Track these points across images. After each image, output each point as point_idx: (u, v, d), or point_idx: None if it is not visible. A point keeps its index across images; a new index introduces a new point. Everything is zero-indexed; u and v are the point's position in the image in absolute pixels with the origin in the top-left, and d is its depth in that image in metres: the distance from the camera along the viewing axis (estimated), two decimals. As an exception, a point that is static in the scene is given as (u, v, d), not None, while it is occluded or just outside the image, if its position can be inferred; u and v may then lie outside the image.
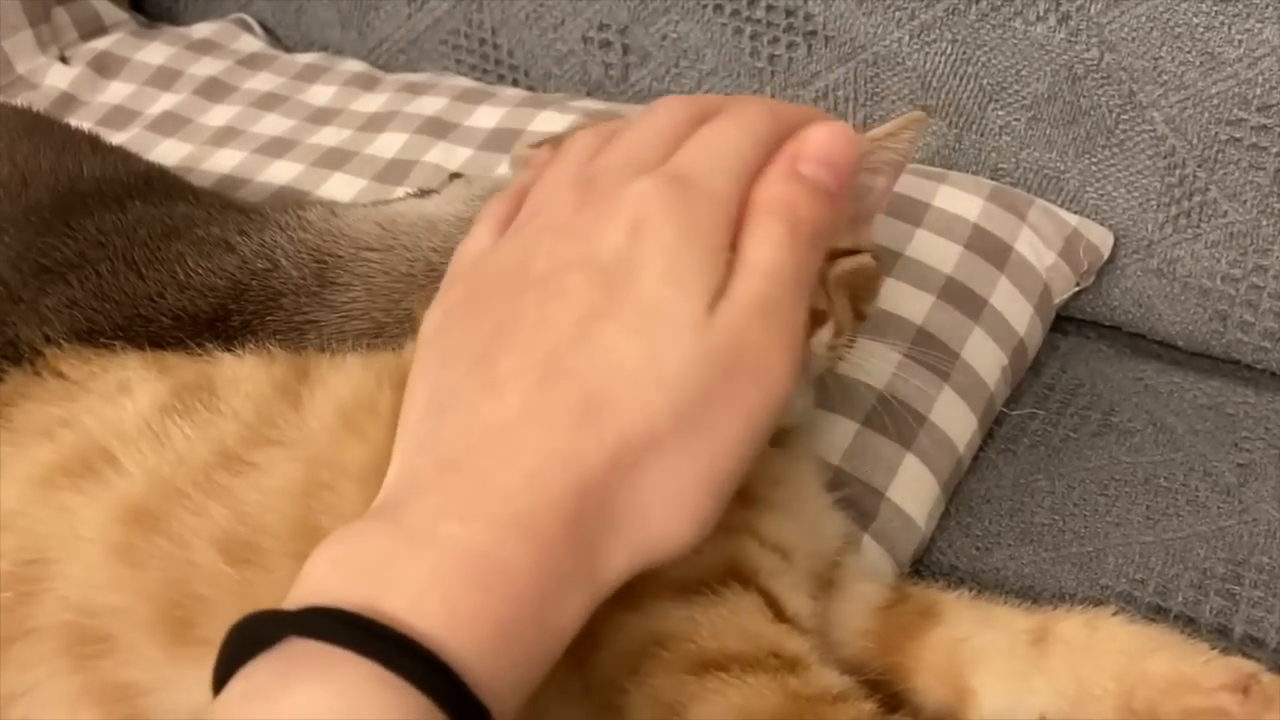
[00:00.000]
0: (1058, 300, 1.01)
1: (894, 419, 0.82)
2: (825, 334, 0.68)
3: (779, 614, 0.59)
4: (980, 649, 0.68)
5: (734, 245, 0.49)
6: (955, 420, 0.86)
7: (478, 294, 0.53)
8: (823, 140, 0.50)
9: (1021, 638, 0.68)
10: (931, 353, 0.87)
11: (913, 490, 0.81)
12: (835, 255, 0.70)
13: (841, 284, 0.70)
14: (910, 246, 0.95)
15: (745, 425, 0.47)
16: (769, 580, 0.60)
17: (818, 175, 0.50)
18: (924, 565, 0.82)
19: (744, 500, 0.62)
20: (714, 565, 0.58)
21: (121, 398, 0.65)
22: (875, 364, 0.84)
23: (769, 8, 1.08)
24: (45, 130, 0.94)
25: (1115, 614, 0.68)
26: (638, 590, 0.56)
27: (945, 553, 0.83)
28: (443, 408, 0.49)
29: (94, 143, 0.96)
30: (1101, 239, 1.02)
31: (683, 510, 0.46)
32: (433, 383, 0.51)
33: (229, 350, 0.70)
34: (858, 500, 0.78)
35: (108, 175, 0.87)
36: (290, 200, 1.04)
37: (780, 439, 0.70)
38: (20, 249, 0.78)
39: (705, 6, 1.11)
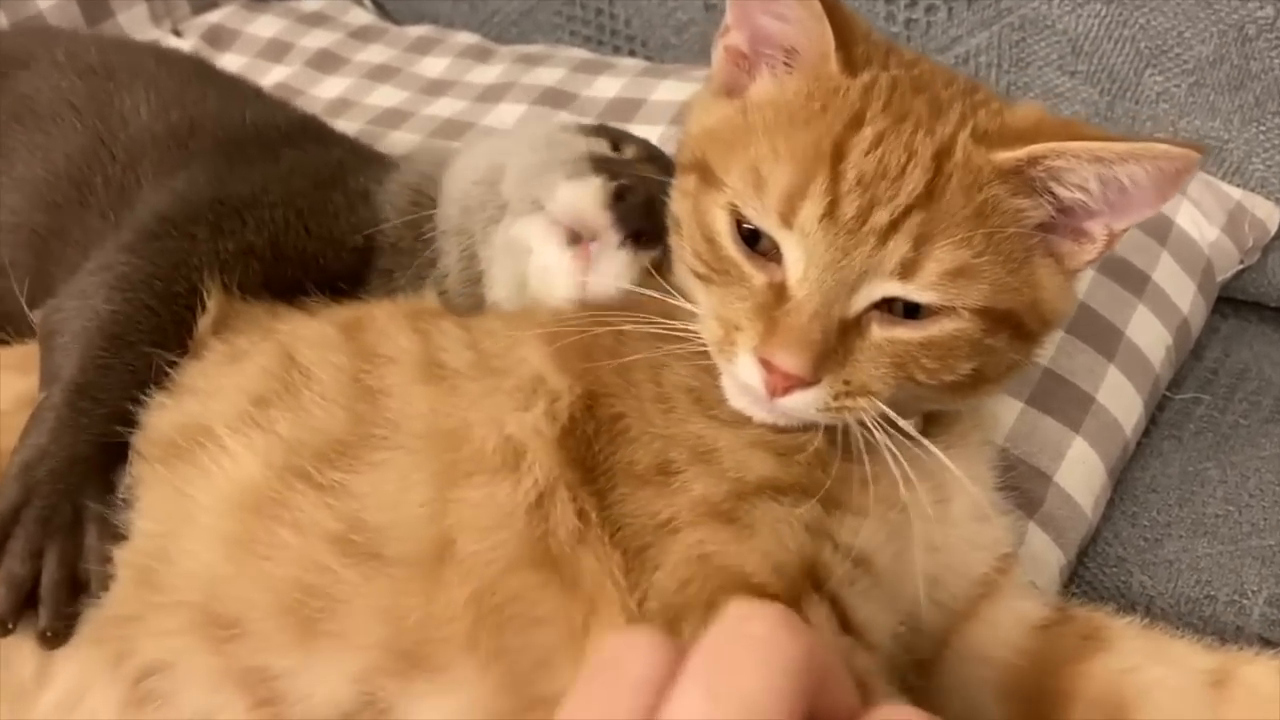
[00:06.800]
0: (1221, 278, 0.95)
1: (1061, 399, 0.77)
2: (810, 395, 0.55)
3: (844, 623, 0.55)
4: (1150, 684, 0.60)
5: None
6: (1122, 401, 0.80)
7: None
8: None
9: (1199, 678, 0.60)
10: (1095, 329, 0.81)
11: (1080, 474, 0.76)
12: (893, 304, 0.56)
13: (884, 350, 0.56)
14: (1065, 219, 0.89)
15: None
16: (839, 587, 0.56)
17: None
18: (1090, 557, 0.77)
19: (825, 503, 0.57)
20: (796, 570, 0.55)
21: None
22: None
23: (908, -31, 1.03)
24: (211, 75, 0.91)
25: None
26: (720, 592, 0.53)
27: (1112, 544, 0.77)
28: None
29: (257, 90, 0.93)
30: (1268, 214, 0.96)
31: None
32: None
33: None
34: (1023, 484, 0.72)
35: (266, 121, 0.83)
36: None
37: (935, 431, 0.63)
38: (188, 192, 0.74)
39: (838, -31, 1.06)
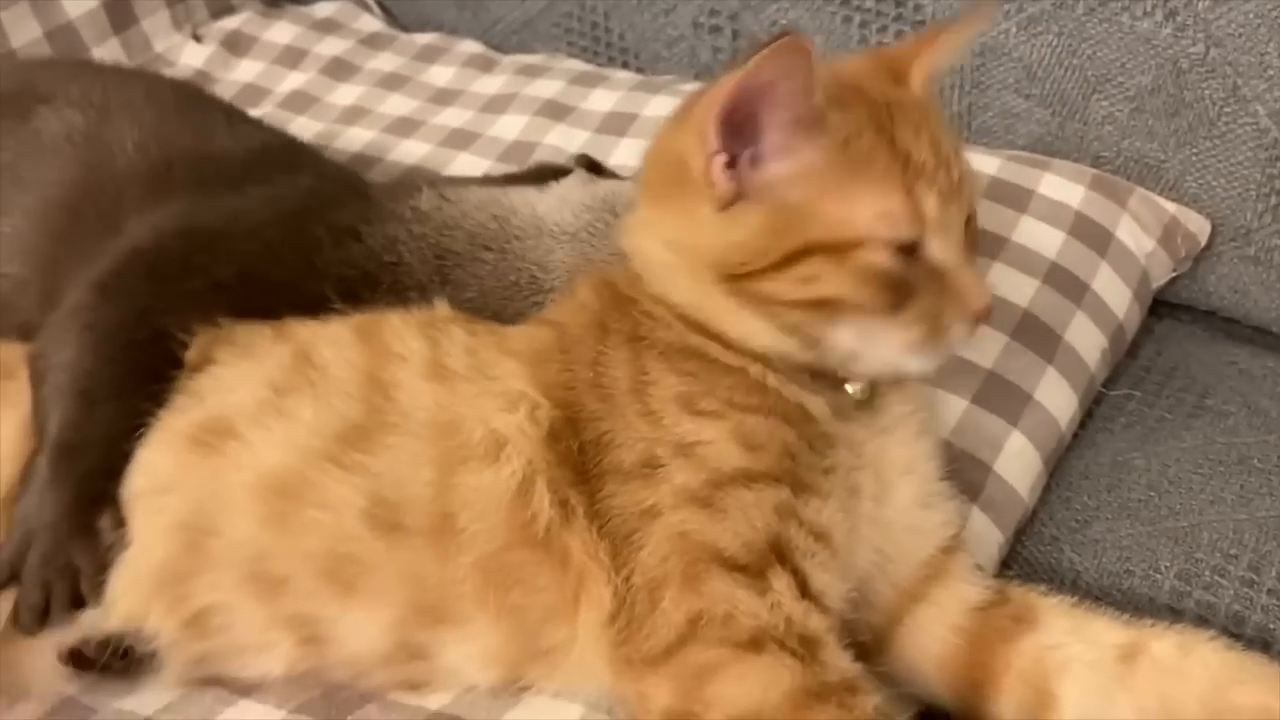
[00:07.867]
0: (1155, 285, 1.05)
1: (1002, 396, 0.87)
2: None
3: (803, 589, 0.65)
4: (1069, 659, 0.70)
5: None
6: (1058, 400, 0.91)
7: None
8: None
9: (1111, 652, 0.69)
10: (1036, 335, 0.92)
11: (1018, 465, 0.86)
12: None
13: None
14: (1015, 232, 1.00)
15: None
16: (801, 559, 0.66)
17: None
18: (1027, 536, 0.87)
19: (794, 487, 0.67)
20: (763, 546, 0.65)
21: None
22: (984, 344, 0.89)
23: (879, -3, 1.12)
24: (191, 106, 0.99)
25: (1211, 639, 0.70)
26: (697, 563, 0.64)
27: (1047, 525, 0.88)
28: None
29: (230, 116, 1.01)
30: (1199, 227, 1.06)
31: None
32: None
33: None
34: (966, 474, 0.83)
35: (231, 154, 0.91)
36: (403, 183, 1.03)
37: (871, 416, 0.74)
38: (159, 225, 0.82)
39: (816, -6, 1.15)
